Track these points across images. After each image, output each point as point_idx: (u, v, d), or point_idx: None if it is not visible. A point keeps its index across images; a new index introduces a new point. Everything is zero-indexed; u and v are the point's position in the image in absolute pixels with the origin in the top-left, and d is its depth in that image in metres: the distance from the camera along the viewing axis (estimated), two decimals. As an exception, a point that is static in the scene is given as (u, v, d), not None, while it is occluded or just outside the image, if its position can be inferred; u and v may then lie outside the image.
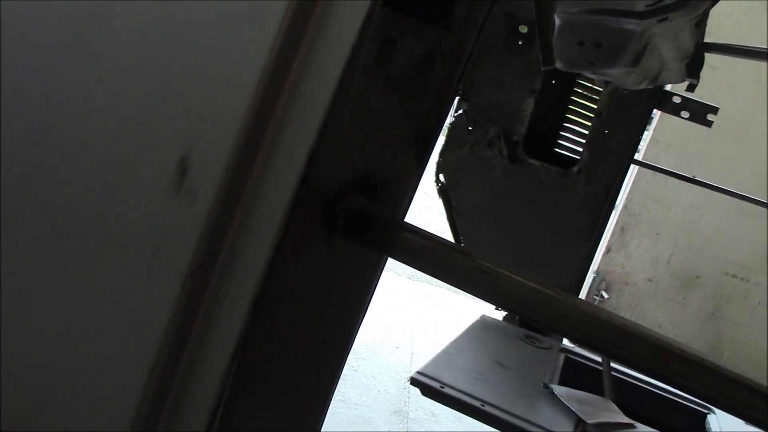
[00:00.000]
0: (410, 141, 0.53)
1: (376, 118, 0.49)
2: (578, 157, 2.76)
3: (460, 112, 2.83)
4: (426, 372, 2.15)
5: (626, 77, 1.48)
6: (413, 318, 4.66)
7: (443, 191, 2.87)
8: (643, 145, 4.75)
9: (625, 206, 4.91)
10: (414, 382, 2.12)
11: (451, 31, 0.53)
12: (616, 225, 4.94)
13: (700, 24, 1.45)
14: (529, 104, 2.81)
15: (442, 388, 2.12)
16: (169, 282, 0.40)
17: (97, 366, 0.43)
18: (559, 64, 1.34)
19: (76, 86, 0.43)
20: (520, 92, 2.79)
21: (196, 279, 0.40)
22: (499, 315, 3.05)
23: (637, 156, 4.31)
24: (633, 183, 4.79)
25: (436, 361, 2.25)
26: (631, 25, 1.14)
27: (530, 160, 2.77)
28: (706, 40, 1.71)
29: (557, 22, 1.24)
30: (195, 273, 0.40)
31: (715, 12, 1.46)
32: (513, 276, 0.45)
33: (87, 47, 0.43)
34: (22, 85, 0.43)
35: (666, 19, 1.14)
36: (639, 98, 2.68)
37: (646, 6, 0.99)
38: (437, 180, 2.87)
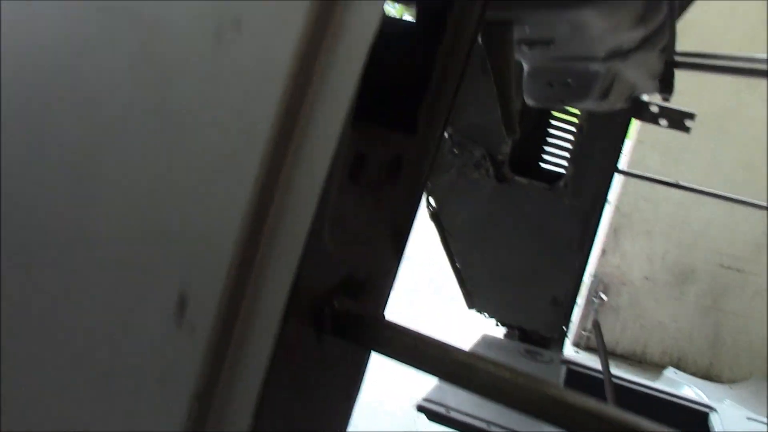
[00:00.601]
0: (386, 237, 0.58)
1: (352, 225, 0.53)
2: (563, 172, 2.82)
3: (445, 136, 2.88)
4: (431, 398, 2.20)
5: (598, 106, 1.54)
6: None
7: (434, 215, 2.93)
8: (628, 146, 4.81)
9: (616, 208, 4.96)
10: (420, 409, 2.16)
11: (416, 134, 0.58)
12: (609, 227, 4.99)
13: (667, 47, 1.50)
14: (511, 125, 2.85)
15: (448, 412, 2.16)
16: (176, 405, 0.45)
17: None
18: (530, 102, 1.39)
19: (80, 218, 0.48)
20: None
21: (202, 401, 0.45)
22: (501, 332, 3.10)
23: (624, 158, 4.37)
24: (622, 184, 4.85)
25: (441, 385, 2.30)
26: (595, 66, 1.20)
27: (517, 178, 2.83)
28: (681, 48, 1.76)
29: (525, 68, 1.29)
30: (200, 396, 0.45)
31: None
32: (490, 368, 0.50)
33: (89, 181, 0.48)
34: (34, 212, 0.48)
35: (628, 57, 1.20)
36: (617, 111, 2.73)
37: (606, 52, 1.04)
38: (428, 204, 2.92)
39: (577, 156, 2.79)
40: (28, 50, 0.50)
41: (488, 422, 2.15)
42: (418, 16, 0.62)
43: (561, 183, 2.81)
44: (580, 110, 2.75)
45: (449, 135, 2.85)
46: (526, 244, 2.86)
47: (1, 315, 0.49)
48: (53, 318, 0.49)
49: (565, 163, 2.84)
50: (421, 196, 0.61)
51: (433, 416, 2.15)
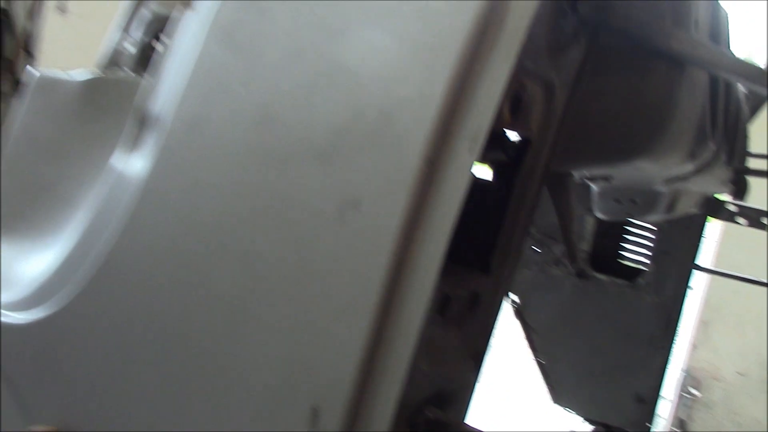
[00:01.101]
0: (468, 357, 0.73)
1: (441, 349, 0.69)
2: (644, 268, 2.89)
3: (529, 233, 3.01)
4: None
5: (667, 217, 1.65)
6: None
7: (518, 311, 3.03)
8: (714, 240, 4.80)
9: (705, 301, 4.91)
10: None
11: (490, 274, 0.74)
12: (698, 320, 4.93)
13: (738, 155, 1.61)
14: (590, 222, 2.96)
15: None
16: None
17: None
18: (600, 216, 1.53)
19: (234, 346, 0.65)
20: (580, 211, 2.96)
21: None
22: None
23: (710, 251, 4.36)
24: (711, 276, 4.81)
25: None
26: (658, 187, 1.33)
27: (597, 275, 2.91)
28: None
29: (594, 188, 1.44)
30: None
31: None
32: None
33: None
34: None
35: (688, 180, 1.33)
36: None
37: (663, 180, 1.18)
38: (512, 301, 3.03)
39: (656, 253, 2.86)
40: (199, 226, 0.69)
41: None
42: (494, 175, 0.79)
43: (641, 280, 2.88)
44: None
45: (530, 233, 2.97)
46: (608, 339, 2.92)
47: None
48: (209, 401, 0.65)
49: (644, 259, 2.92)
50: (495, 323, 0.76)
51: None
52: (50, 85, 0.97)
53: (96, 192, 0.82)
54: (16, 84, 5.43)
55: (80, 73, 0.98)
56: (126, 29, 1.10)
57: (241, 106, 0.71)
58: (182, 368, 0.67)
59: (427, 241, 0.61)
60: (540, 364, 3.05)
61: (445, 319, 0.69)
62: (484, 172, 0.81)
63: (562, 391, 3.07)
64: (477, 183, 0.79)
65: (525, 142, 0.75)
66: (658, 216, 1.52)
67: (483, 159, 0.79)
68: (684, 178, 1.26)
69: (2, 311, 0.82)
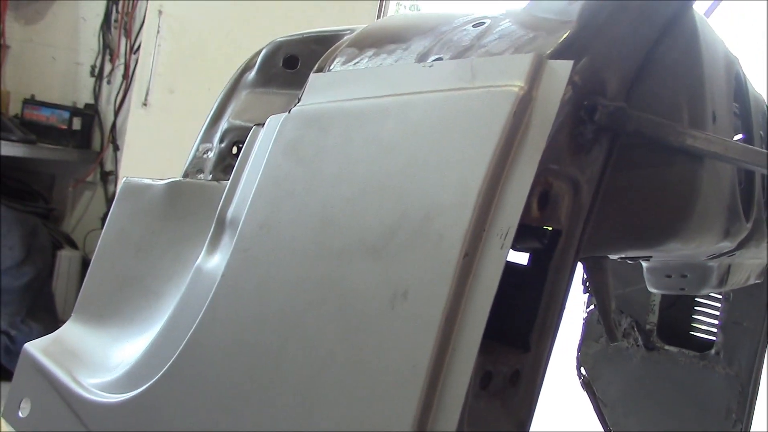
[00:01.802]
0: (511, 427, 0.81)
1: (485, 420, 0.77)
2: (713, 339, 2.87)
3: (592, 307, 3.04)
4: None
5: (724, 288, 1.69)
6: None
7: (587, 384, 3.03)
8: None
9: (786, 370, 4.74)
10: None
11: (529, 351, 0.82)
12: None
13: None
14: (657, 294, 2.97)
15: None
16: None
17: None
18: (653, 290, 1.58)
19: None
20: (644, 284, 2.98)
21: None
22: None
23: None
24: (791, 346, 4.66)
25: None
26: (705, 262, 1.39)
27: (666, 347, 2.91)
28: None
29: (644, 265, 1.50)
30: None
31: None
32: None
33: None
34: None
35: (734, 254, 1.38)
36: (764, 279, 2.79)
37: (706, 256, 1.24)
38: (579, 374, 3.04)
39: (726, 324, 2.85)
40: (268, 317, 0.79)
41: None
42: (530, 261, 0.88)
43: (712, 351, 2.86)
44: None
45: (596, 306, 3.00)
46: (681, 412, 2.89)
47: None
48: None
49: (715, 330, 2.90)
50: (537, 395, 0.83)
51: None
52: (137, 188, 1.11)
53: (179, 285, 0.94)
54: (104, 174, 5.74)
55: (164, 179, 1.12)
56: (206, 139, 1.24)
57: (304, 211, 0.82)
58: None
59: (467, 324, 0.70)
60: (612, 439, 3.03)
61: (488, 392, 0.77)
62: (522, 258, 0.90)
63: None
64: (516, 269, 0.88)
65: (556, 232, 0.84)
66: (712, 289, 1.57)
67: (521, 248, 0.88)
68: (727, 254, 1.32)
69: (97, 392, 0.94)
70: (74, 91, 6.06)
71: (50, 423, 0.99)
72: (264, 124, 0.93)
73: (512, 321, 0.84)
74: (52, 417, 0.98)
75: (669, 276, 1.48)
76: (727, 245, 1.15)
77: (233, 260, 0.85)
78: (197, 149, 1.23)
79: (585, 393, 3.04)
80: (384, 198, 0.77)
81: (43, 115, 5.81)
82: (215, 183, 1.03)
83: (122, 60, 6.02)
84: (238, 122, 1.19)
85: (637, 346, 2.96)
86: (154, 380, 0.88)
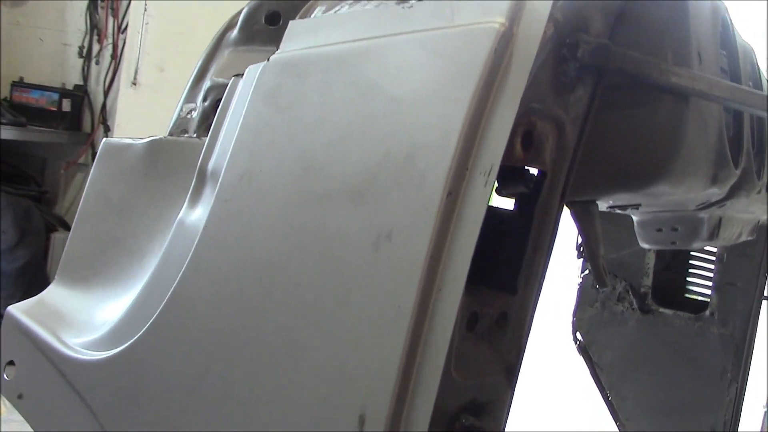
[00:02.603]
0: (500, 371, 0.80)
1: (472, 362, 0.76)
2: (708, 300, 2.88)
3: (586, 272, 3.04)
4: None
5: (715, 244, 1.68)
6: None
7: (582, 349, 3.04)
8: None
9: (783, 332, 4.77)
10: None
11: (517, 294, 0.81)
12: (776, 353, 4.78)
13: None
14: (651, 257, 2.97)
15: None
16: None
17: None
18: (644, 246, 1.58)
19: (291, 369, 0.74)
20: (638, 247, 2.97)
21: None
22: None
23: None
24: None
25: None
26: (695, 214, 1.38)
27: (661, 309, 2.91)
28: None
29: (635, 219, 1.49)
30: None
31: None
32: None
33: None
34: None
35: (724, 205, 1.37)
36: (757, 237, 2.79)
37: (695, 206, 1.23)
38: (575, 339, 3.04)
39: (720, 285, 2.85)
40: (251, 264, 0.78)
41: None
42: (515, 206, 0.87)
43: (707, 312, 2.86)
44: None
45: (590, 271, 3.00)
46: (677, 374, 2.89)
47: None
48: (272, 420, 0.74)
49: (709, 291, 2.90)
50: (526, 340, 0.83)
51: None
52: (117, 149, 1.10)
53: (162, 243, 0.93)
54: (95, 156, 5.72)
55: (145, 138, 1.10)
56: (190, 99, 1.22)
57: (285, 158, 0.81)
58: (244, 388, 0.77)
59: (452, 263, 0.69)
60: (608, 402, 3.04)
61: (475, 334, 0.77)
62: (508, 204, 0.89)
63: (632, 429, 3.05)
64: (502, 214, 0.87)
65: (542, 174, 0.83)
66: (703, 243, 1.56)
67: (507, 193, 0.87)
68: (718, 203, 1.31)
69: (82, 350, 0.93)
70: (63, 73, 6.01)
71: (36, 383, 0.98)
72: (243, 74, 0.92)
73: (499, 265, 0.83)
74: (37, 377, 0.98)
75: (660, 230, 1.47)
76: (715, 192, 1.14)
77: (215, 211, 0.84)
78: (181, 110, 1.21)
79: (581, 357, 3.04)
80: (365, 141, 0.76)
81: (32, 98, 5.77)
82: (196, 140, 1.02)
83: (110, 40, 5.96)
84: (221, 80, 1.17)
85: (632, 309, 2.97)
86: (139, 335, 0.87)
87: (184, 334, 0.83)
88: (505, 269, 0.82)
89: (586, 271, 3.04)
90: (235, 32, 1.26)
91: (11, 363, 1.00)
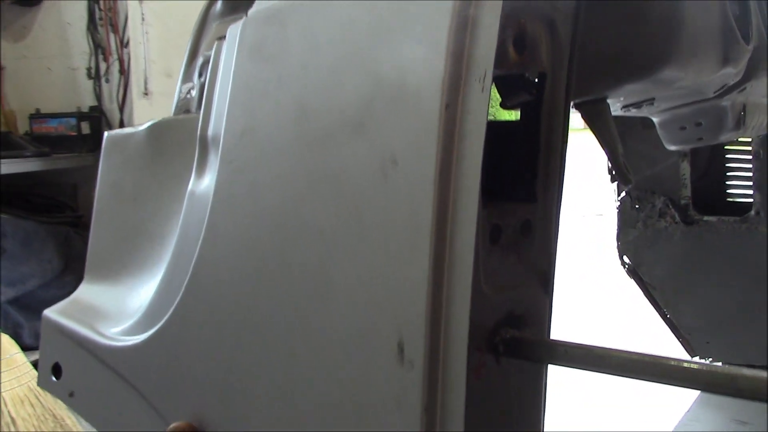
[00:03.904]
0: (533, 281, 0.79)
1: (503, 274, 0.75)
2: (751, 200, 2.82)
3: (623, 195, 3.00)
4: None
5: (744, 135, 1.64)
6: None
7: (632, 271, 3.00)
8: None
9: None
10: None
11: (537, 202, 0.79)
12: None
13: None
14: (685, 167, 2.92)
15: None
16: (412, 419, 0.67)
17: None
18: (671, 147, 1.54)
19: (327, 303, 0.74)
20: (672, 159, 2.92)
21: (429, 412, 0.67)
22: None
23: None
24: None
25: (676, 435, 2.33)
26: (715, 102, 1.34)
27: (705, 218, 2.86)
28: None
29: (656, 121, 1.45)
30: (427, 408, 0.67)
31: None
32: (629, 355, 0.68)
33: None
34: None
35: (745, 89, 1.33)
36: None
37: (713, 92, 1.19)
38: (623, 263, 3.01)
39: (761, 182, 2.79)
40: (264, 217, 0.77)
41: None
42: (520, 115, 0.85)
43: (752, 212, 2.80)
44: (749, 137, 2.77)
45: (627, 192, 2.96)
46: (730, 280, 2.85)
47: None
48: (312, 366, 0.74)
49: (750, 192, 2.84)
50: (555, 247, 0.81)
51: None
52: (120, 139, 1.10)
53: (178, 220, 0.93)
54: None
55: (145, 123, 1.10)
56: (186, 79, 1.21)
57: (281, 107, 0.80)
58: (280, 336, 0.77)
59: (462, 173, 0.68)
60: (667, 321, 3.00)
61: (501, 247, 0.75)
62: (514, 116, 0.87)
63: (696, 342, 3.01)
64: (508, 126, 0.85)
65: (542, 77, 0.81)
66: (731, 134, 1.51)
67: (510, 104, 0.85)
68: (737, 86, 1.26)
69: (121, 337, 0.93)
70: (76, 97, 6.05)
71: (83, 378, 0.99)
72: (225, 36, 0.91)
73: (514, 176, 0.81)
74: (83, 372, 0.98)
75: (683, 128, 1.43)
76: (730, 72, 1.10)
77: (221, 174, 0.83)
78: (180, 91, 1.20)
79: (632, 280, 3.01)
80: (355, 72, 0.74)
81: (51, 127, 5.83)
82: (195, 114, 1.01)
83: (115, 56, 5.98)
84: (211, 53, 1.16)
85: (675, 223, 2.92)
86: (171, 310, 0.87)
87: (214, 298, 0.83)
88: (520, 179, 0.80)
89: (623, 194, 3.00)
90: (219, 5, 1.25)
91: (57, 365, 1.01)
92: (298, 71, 0.79)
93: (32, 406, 4.04)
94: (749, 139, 2.85)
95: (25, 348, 3.98)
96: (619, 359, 0.69)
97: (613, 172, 2.99)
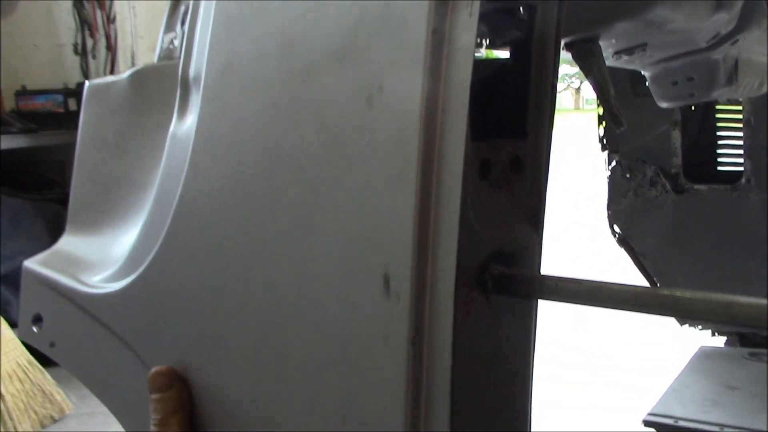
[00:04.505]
0: (523, 218, 0.77)
1: (492, 211, 0.73)
2: (742, 168, 2.81)
3: (614, 164, 2.98)
4: (657, 411, 2.25)
5: (736, 93, 1.62)
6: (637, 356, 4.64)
7: (622, 240, 3.00)
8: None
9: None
10: (648, 423, 2.22)
11: (527, 137, 0.77)
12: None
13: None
14: (676, 136, 2.91)
15: (677, 422, 2.20)
16: (398, 352, 0.66)
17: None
18: (663, 104, 1.52)
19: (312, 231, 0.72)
20: (662, 128, 2.90)
21: (414, 346, 0.65)
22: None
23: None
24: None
25: (664, 399, 2.34)
26: (707, 55, 1.32)
27: (695, 186, 2.85)
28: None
29: (646, 75, 1.43)
30: (413, 341, 0.65)
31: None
32: (623, 287, 0.67)
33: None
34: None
35: (737, 41, 1.31)
36: (781, 94, 2.70)
37: (706, 41, 1.17)
38: (613, 232, 3.00)
39: (751, 149, 2.78)
40: (248, 151, 0.75)
41: (721, 425, 2.16)
42: (510, 53, 0.82)
43: (742, 180, 2.79)
44: (741, 104, 2.76)
45: (617, 161, 2.94)
46: (722, 248, 2.84)
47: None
48: (297, 303, 0.72)
49: (741, 160, 2.83)
50: (546, 185, 0.79)
51: (662, 429, 2.20)
52: (102, 88, 1.07)
53: (161, 167, 0.90)
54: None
55: (127, 71, 1.07)
56: (169, 28, 1.18)
57: (262, 41, 0.77)
58: (265, 273, 0.75)
59: (450, 101, 0.66)
60: (658, 289, 2.98)
61: (490, 182, 0.73)
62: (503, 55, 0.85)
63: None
64: (498, 64, 0.82)
65: (531, 12, 0.79)
66: (723, 90, 1.50)
67: (500, 41, 0.83)
68: (730, 37, 1.25)
69: (103, 285, 0.91)
70: (63, 73, 6.00)
71: (64, 328, 0.97)
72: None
73: (503, 113, 0.79)
74: (64, 322, 0.96)
75: (675, 83, 1.41)
76: (723, 17, 1.08)
77: (203, 113, 0.81)
78: (162, 42, 1.17)
79: (623, 250, 3.01)
80: (338, 1, 0.72)
81: (38, 103, 5.78)
82: (177, 61, 0.98)
83: (102, 32, 5.92)
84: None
85: (666, 192, 2.91)
86: (153, 253, 0.85)
87: (196, 238, 0.81)
88: (509, 115, 0.78)
89: (613, 163, 2.98)
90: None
91: (37, 315, 0.99)
92: (279, 3, 0.77)
93: (21, 382, 4.02)
94: (740, 108, 2.84)
95: (14, 325, 3.96)
96: (612, 292, 0.68)
97: (603, 139, 2.98)
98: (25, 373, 4.08)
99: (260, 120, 0.76)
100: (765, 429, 2.15)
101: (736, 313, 0.61)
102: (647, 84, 1.42)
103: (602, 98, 0.95)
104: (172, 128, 0.87)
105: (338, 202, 0.70)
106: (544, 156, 0.79)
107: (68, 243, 1.05)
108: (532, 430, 0.80)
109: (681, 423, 2.18)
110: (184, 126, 0.85)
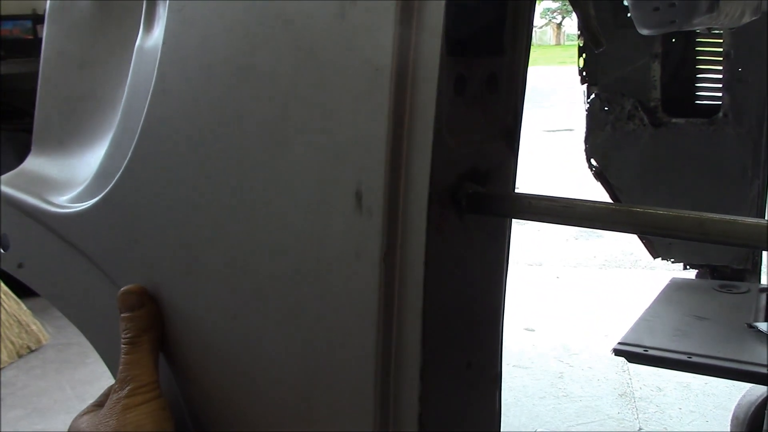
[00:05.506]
0: (498, 137, 0.76)
1: (466, 128, 0.71)
2: (720, 102, 2.80)
3: (593, 96, 2.97)
4: (627, 341, 2.28)
5: (717, 21, 1.60)
6: (615, 304, 4.72)
7: (599, 174, 3.00)
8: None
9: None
10: (617, 352, 2.25)
11: (504, 55, 0.76)
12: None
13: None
14: (656, 68, 2.89)
15: (646, 351, 2.23)
16: (369, 269, 0.65)
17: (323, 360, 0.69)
18: (644, 31, 1.50)
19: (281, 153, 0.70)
20: (643, 60, 2.89)
21: (387, 263, 0.65)
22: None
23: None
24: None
25: (635, 328, 2.38)
26: (692, -19, 1.29)
27: (673, 120, 2.85)
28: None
29: (629, 2, 1.41)
30: (385, 258, 0.64)
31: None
32: (594, 204, 0.66)
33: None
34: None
35: (720, -35, 1.28)
36: (762, 28, 2.69)
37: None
38: (590, 166, 3.00)
39: (730, 83, 2.77)
40: (217, 65, 0.73)
41: (689, 354, 2.20)
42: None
43: (720, 114, 2.79)
44: (722, 37, 2.74)
45: (596, 94, 2.93)
46: (698, 181, 2.86)
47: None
48: (269, 218, 0.71)
49: (720, 94, 2.83)
50: (522, 103, 0.78)
51: (631, 357, 2.23)
52: (64, 3, 1.03)
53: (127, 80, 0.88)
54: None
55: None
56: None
57: (231, -51, 0.74)
58: (237, 189, 0.73)
59: (424, 13, 0.64)
60: (632, 222, 3.00)
61: (465, 99, 0.72)
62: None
63: (660, 243, 3.05)
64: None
65: None
66: (704, 17, 1.47)
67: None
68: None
69: (70, 205, 0.90)
70: (31, -1, 5.82)
71: (32, 248, 0.95)
72: None
73: (480, 29, 0.77)
74: (32, 242, 0.95)
75: (657, 9, 1.38)
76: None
77: (170, 25, 0.78)
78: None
79: (599, 183, 3.01)
80: None
81: (5, 30, 5.62)
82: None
83: (72, -45, 5.72)
84: None
85: (644, 125, 2.91)
86: (121, 171, 0.83)
87: (164, 154, 0.79)
88: (486, 31, 0.76)
89: (592, 96, 2.97)
90: None
91: (4, 236, 0.97)
92: None
93: (-4, 312, 4.01)
94: (720, 41, 2.83)
95: (-13, 254, 3.93)
96: (586, 209, 0.67)
97: (583, 71, 2.95)
98: (0, 304, 4.07)
99: (230, 32, 0.73)
100: (731, 357, 2.20)
101: (708, 230, 0.61)
102: (629, 12, 1.39)
103: (582, 18, 0.93)
104: (138, 41, 0.84)
105: (310, 117, 0.68)
106: (520, 75, 0.77)
107: (34, 163, 1.02)
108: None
109: (650, 352, 2.21)
110: (151, 39, 0.83)
